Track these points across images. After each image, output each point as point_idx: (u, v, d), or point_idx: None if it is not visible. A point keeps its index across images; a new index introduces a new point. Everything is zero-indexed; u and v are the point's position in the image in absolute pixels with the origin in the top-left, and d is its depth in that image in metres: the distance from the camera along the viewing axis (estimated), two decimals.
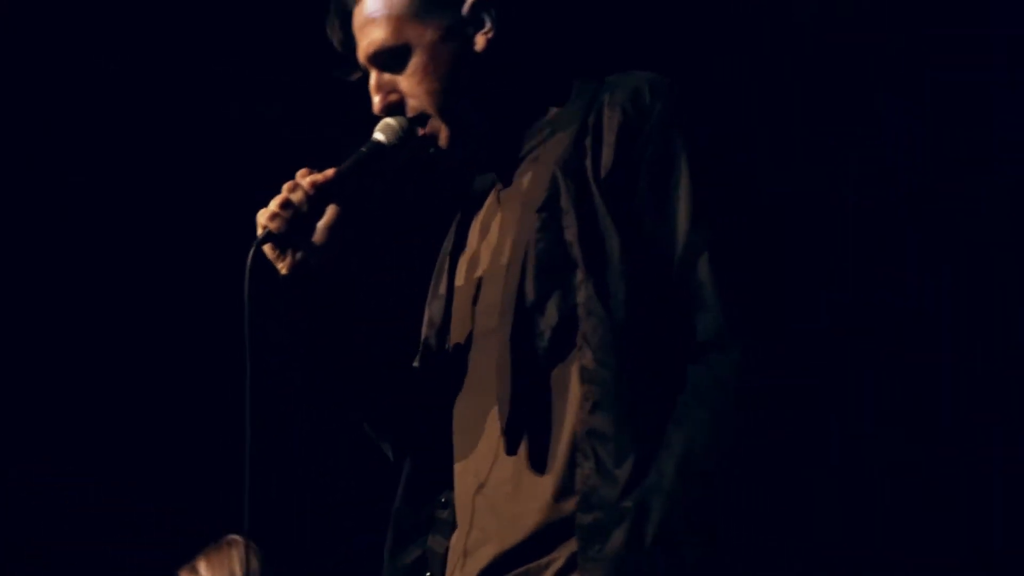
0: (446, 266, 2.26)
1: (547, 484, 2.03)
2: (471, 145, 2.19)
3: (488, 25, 2.16)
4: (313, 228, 2.12)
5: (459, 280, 2.22)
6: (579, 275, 2.01)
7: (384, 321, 2.24)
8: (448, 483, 2.17)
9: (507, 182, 2.19)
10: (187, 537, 3.54)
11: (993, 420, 3.18)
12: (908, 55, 3.28)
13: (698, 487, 1.93)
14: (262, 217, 2.11)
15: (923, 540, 3.19)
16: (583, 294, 2.00)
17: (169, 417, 3.74)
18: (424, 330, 2.26)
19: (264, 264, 2.13)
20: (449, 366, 2.19)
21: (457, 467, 2.16)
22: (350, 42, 2.21)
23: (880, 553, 3.18)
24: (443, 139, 2.17)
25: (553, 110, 2.17)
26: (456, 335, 2.20)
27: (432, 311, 2.25)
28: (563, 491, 2.01)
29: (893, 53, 3.29)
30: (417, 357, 2.26)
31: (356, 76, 2.23)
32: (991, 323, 3.23)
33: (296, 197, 2.11)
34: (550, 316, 2.03)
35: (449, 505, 2.18)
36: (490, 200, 2.23)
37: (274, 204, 2.11)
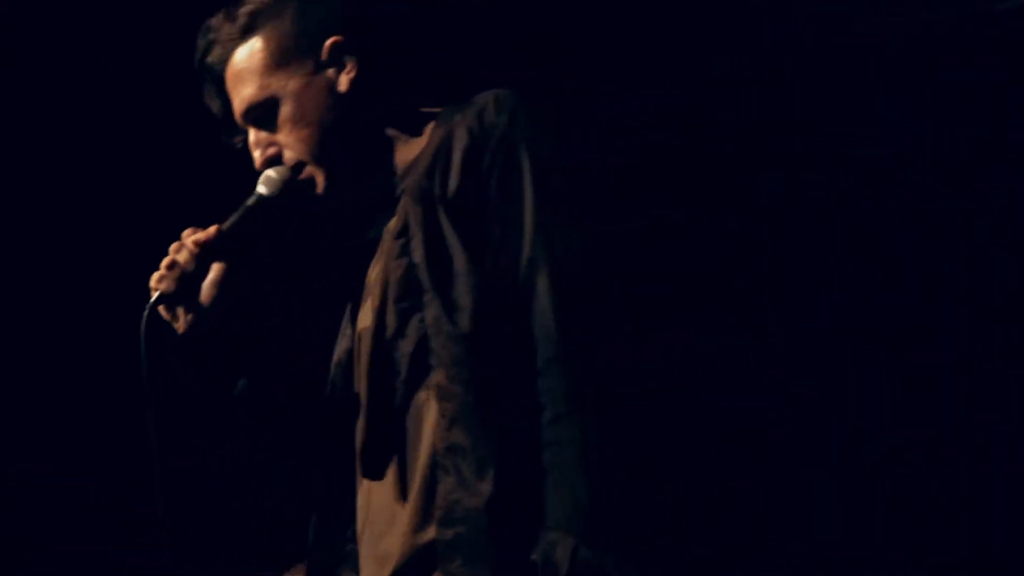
0: (349, 307, 2.28)
1: (407, 514, 2.04)
2: (347, 186, 2.21)
3: (349, 65, 2.20)
4: (198, 285, 2.14)
5: (360, 319, 2.23)
6: (427, 296, 2.03)
7: (292, 363, 2.27)
8: (354, 515, 2.19)
9: (388, 218, 2.21)
10: (187, 537, 3.54)
11: (993, 420, 3.18)
12: (908, 55, 3.28)
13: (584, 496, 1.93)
14: (152, 280, 2.13)
15: (923, 540, 3.19)
16: (431, 313, 2.02)
17: (169, 418, 3.73)
18: (332, 369, 2.29)
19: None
20: (351, 402, 2.20)
21: (358, 500, 2.18)
22: (228, 107, 2.26)
23: (880, 553, 3.18)
24: (320, 184, 2.20)
25: (421, 141, 2.19)
26: (357, 372, 2.21)
27: (338, 350, 2.28)
28: (422, 519, 2.02)
29: (893, 53, 3.29)
30: (327, 395, 2.28)
31: (240, 139, 2.26)
32: (991, 323, 3.23)
33: (182, 258, 2.14)
34: (409, 341, 2.05)
35: (354, 539, 2.19)
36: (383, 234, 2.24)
37: (162, 266, 2.13)
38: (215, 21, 2.25)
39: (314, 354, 2.35)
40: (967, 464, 3.19)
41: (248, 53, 2.22)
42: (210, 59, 2.25)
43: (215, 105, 2.28)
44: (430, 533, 2.01)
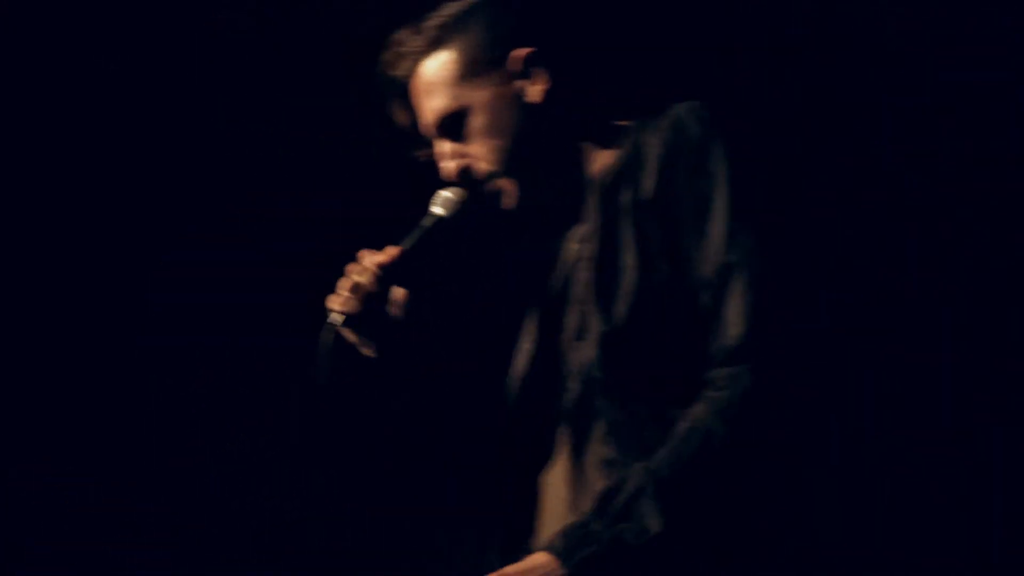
0: (536, 313, 2.28)
1: (577, 514, 2.04)
2: (538, 197, 2.22)
3: (539, 76, 2.20)
4: (383, 306, 2.15)
5: (542, 325, 2.25)
6: (591, 305, 2.05)
7: (469, 370, 2.29)
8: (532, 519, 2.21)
9: (573, 223, 2.22)
10: (187, 537, 3.55)
11: (993, 420, 3.18)
12: (909, 54, 3.28)
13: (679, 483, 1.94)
14: (334, 303, 2.14)
15: (923, 540, 3.19)
16: (594, 325, 2.04)
17: (169, 417, 3.74)
18: (514, 372, 2.29)
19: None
20: (528, 404, 2.22)
21: (539, 501, 2.19)
22: (414, 119, 2.26)
23: (880, 553, 3.18)
24: (510, 195, 2.21)
25: (612, 153, 2.19)
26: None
27: (521, 355, 2.28)
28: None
29: (893, 52, 3.29)
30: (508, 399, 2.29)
31: (427, 152, 2.27)
32: (991, 323, 3.23)
33: (364, 279, 2.17)
34: (589, 344, 2.07)
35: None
36: (566, 241, 2.25)
37: (343, 288, 2.15)
38: (402, 35, 2.26)
39: (489, 361, 2.35)
40: (967, 464, 3.19)
41: (438, 65, 2.22)
42: (397, 72, 2.26)
43: (401, 117, 2.29)
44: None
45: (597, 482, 2.03)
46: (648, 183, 2.07)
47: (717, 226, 2.03)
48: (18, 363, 3.66)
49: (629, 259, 2.04)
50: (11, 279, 3.64)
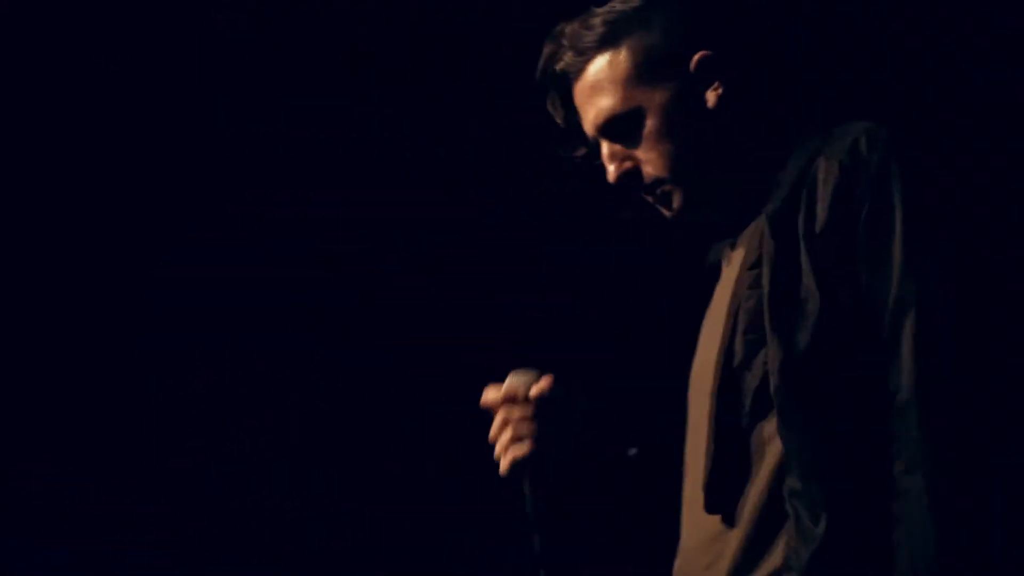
0: (703, 332, 2.23)
1: (732, 548, 2.01)
2: (703, 208, 2.16)
3: (717, 81, 2.12)
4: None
5: (701, 346, 2.20)
6: (769, 333, 1.97)
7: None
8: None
9: (736, 241, 2.16)
10: (187, 537, 3.55)
11: (992, 420, 3.16)
12: (908, 54, 3.28)
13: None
14: (504, 460, 2.11)
15: None
16: (771, 351, 1.97)
17: (169, 417, 3.74)
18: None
19: None
20: (683, 427, 2.18)
21: (684, 520, 2.15)
22: (573, 116, 2.19)
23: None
24: (677, 202, 2.14)
25: (780, 169, 2.11)
26: (690, 396, 2.19)
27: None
28: (749, 556, 2.00)
29: (892, 52, 3.28)
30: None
31: (582, 152, 2.21)
32: (991, 323, 3.21)
33: (524, 427, 2.10)
34: (756, 374, 2.00)
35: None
36: (724, 261, 2.20)
37: (504, 442, 2.11)
38: (568, 28, 2.16)
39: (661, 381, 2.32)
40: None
41: (610, 63, 2.13)
42: (560, 67, 2.16)
43: (559, 115, 2.20)
44: (760, 571, 1.98)
45: (768, 508, 1.99)
46: (823, 214, 1.98)
47: (896, 259, 1.95)
48: (18, 363, 3.66)
49: (809, 289, 1.96)
50: (11, 279, 3.64)
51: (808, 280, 1.97)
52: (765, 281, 2.00)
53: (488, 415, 2.16)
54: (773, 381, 1.96)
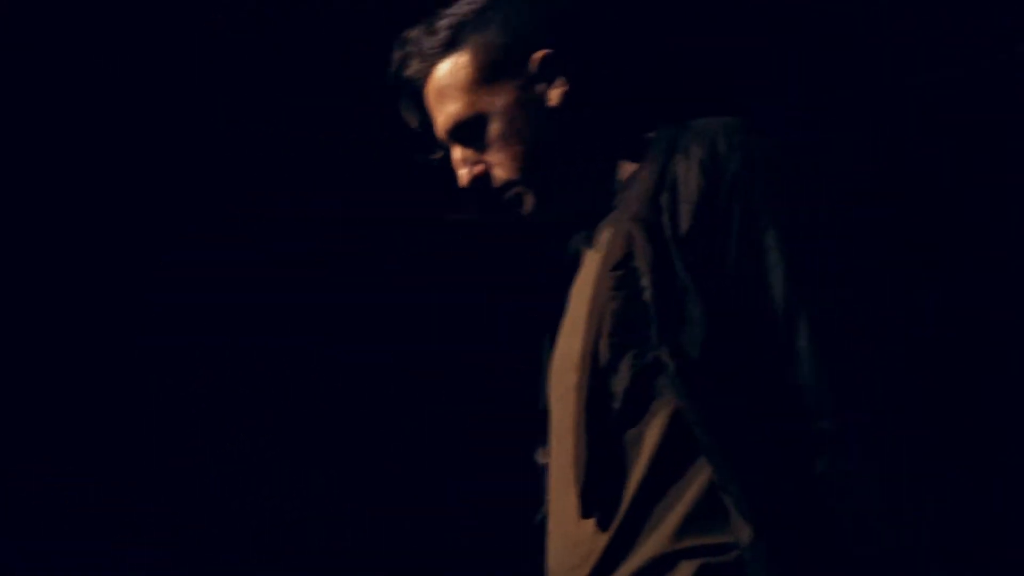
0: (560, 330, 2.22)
1: (601, 544, 1.99)
2: (557, 207, 2.15)
3: (560, 78, 2.12)
4: None
5: (561, 343, 2.18)
6: (655, 335, 1.96)
7: None
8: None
9: (591, 239, 2.15)
10: (187, 537, 3.55)
11: (993, 420, 3.17)
12: (909, 54, 3.28)
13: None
14: None
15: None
16: (663, 353, 1.95)
17: (169, 417, 3.74)
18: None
19: None
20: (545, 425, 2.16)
21: (550, 527, 2.12)
22: (426, 121, 2.19)
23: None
24: (528, 204, 2.14)
25: (630, 162, 2.12)
26: (551, 395, 2.17)
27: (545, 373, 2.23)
28: (622, 551, 1.98)
29: (893, 52, 3.29)
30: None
31: (439, 155, 2.20)
32: (991, 323, 3.23)
33: None
34: (623, 377, 1.99)
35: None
36: (582, 259, 2.18)
37: None
38: (413, 34, 2.17)
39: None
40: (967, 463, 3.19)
41: (452, 68, 2.14)
42: (408, 73, 2.17)
43: (412, 120, 2.20)
44: (629, 565, 1.96)
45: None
46: (688, 219, 1.97)
47: (774, 262, 1.94)
48: (18, 363, 3.67)
49: (689, 293, 1.94)
50: (11, 279, 3.65)
51: (687, 281, 1.96)
52: (647, 283, 1.97)
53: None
54: (662, 381, 1.95)
